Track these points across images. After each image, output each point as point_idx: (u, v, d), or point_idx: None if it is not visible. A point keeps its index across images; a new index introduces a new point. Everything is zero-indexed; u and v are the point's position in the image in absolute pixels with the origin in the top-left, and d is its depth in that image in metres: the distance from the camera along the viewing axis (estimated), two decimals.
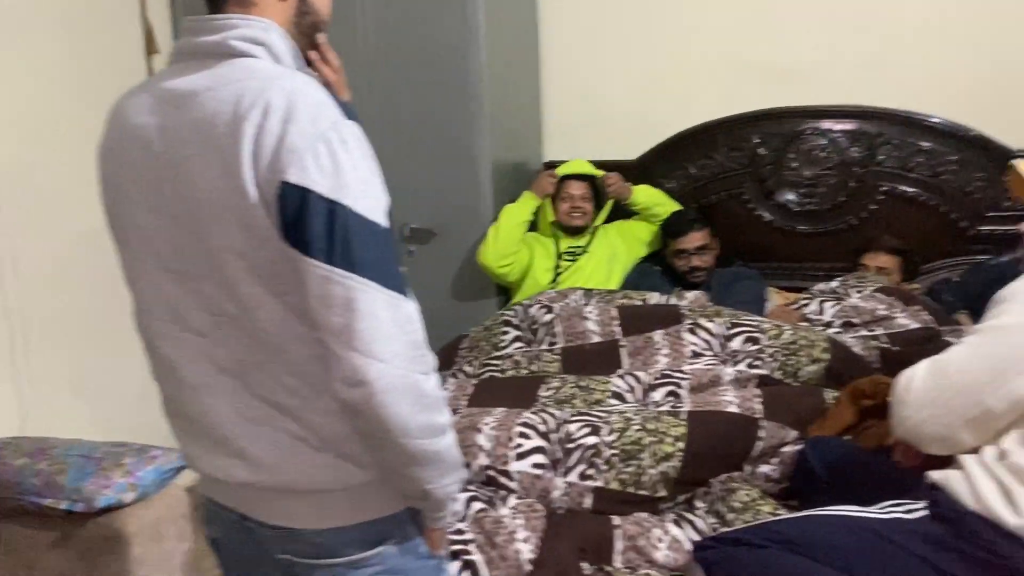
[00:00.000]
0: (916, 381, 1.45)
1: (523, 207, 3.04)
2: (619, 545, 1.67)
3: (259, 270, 1.00)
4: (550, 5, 3.42)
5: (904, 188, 3.01)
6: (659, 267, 3.11)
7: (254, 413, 1.06)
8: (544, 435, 1.83)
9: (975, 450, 1.45)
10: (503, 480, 1.77)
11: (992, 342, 1.39)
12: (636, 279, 3.06)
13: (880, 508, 1.49)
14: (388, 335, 0.97)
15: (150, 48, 3.04)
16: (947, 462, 1.49)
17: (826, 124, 3.10)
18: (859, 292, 2.59)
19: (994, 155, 2.86)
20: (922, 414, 1.43)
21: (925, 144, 3.00)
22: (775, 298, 2.98)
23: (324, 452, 1.06)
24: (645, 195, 3.15)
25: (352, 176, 0.97)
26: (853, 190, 3.07)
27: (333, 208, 0.95)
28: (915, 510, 1.46)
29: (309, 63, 1.20)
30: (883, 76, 3.06)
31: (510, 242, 2.93)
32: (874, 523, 1.45)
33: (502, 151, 3.16)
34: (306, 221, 0.95)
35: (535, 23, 3.42)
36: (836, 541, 1.44)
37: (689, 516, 1.78)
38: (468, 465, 1.79)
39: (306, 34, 1.16)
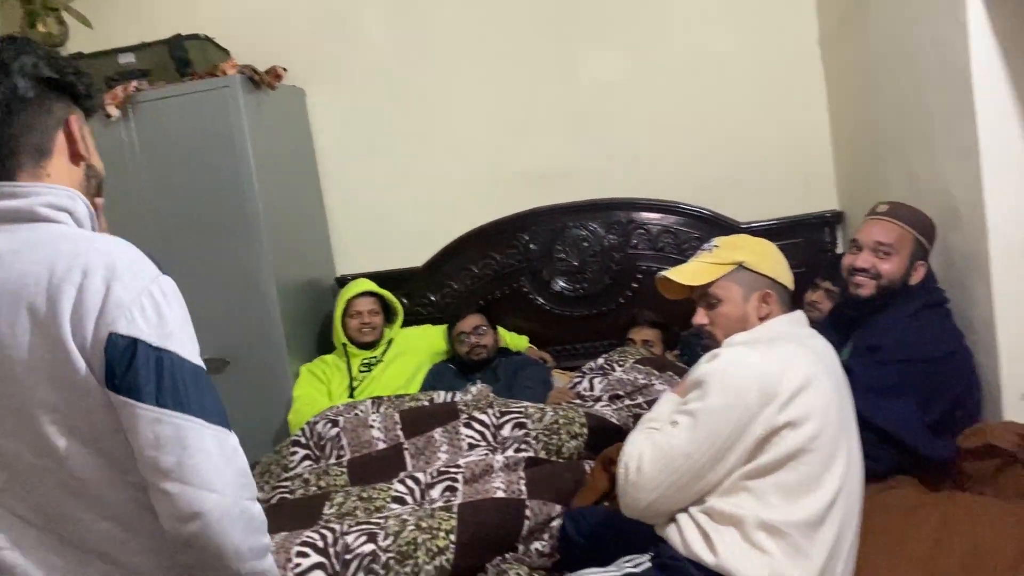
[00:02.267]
0: (645, 465, 1.60)
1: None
2: None
3: (72, 422, 1.04)
4: (324, 130, 3.61)
5: (658, 266, 3.36)
6: (453, 365, 3.28)
7: (65, 561, 1.08)
8: (322, 551, 1.90)
9: None
10: None
11: (706, 424, 1.56)
12: (432, 380, 3.21)
13: (616, 565, 1.67)
14: (218, 468, 1.05)
15: None
16: None
17: (585, 217, 3.43)
18: (621, 366, 2.86)
19: (726, 229, 3.26)
20: (652, 496, 1.59)
21: (671, 226, 3.38)
22: (560, 379, 3.21)
23: None
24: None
25: (174, 325, 1.08)
26: (616, 273, 3.40)
27: (161, 356, 1.04)
28: (642, 563, 1.65)
29: None
30: (627, 172, 3.43)
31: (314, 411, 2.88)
32: None
33: (290, 272, 3.27)
34: (136, 369, 1.03)
35: (311, 147, 3.60)
36: None
37: None
38: None
39: (92, 195, 1.21)
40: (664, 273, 1.83)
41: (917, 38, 2.26)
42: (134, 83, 3.09)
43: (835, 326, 2.31)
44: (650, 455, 1.60)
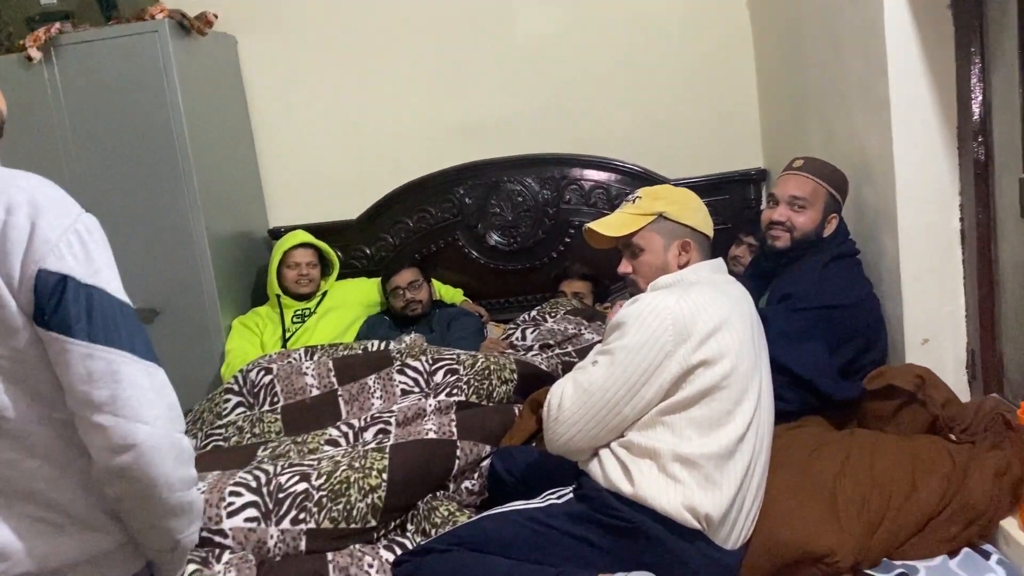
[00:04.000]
0: (566, 402, 1.68)
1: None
2: None
3: (1, 361, 1.04)
4: (256, 79, 3.56)
5: (591, 221, 3.42)
6: (387, 317, 3.31)
7: None
8: (255, 490, 1.93)
9: None
10: (217, 539, 1.85)
11: (623, 362, 1.63)
12: (367, 331, 3.23)
13: (541, 498, 1.75)
14: (150, 400, 1.07)
15: None
16: None
17: (519, 172, 3.47)
18: (552, 317, 2.94)
19: (656, 184, 3.34)
20: (572, 431, 1.67)
21: (602, 181, 3.45)
22: (494, 331, 3.27)
23: (69, 528, 1.11)
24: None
25: (101, 262, 1.08)
26: (549, 227, 3.47)
27: (90, 292, 1.05)
28: (565, 495, 1.73)
29: None
30: (561, 127, 3.48)
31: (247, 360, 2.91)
32: (534, 512, 1.70)
33: (221, 223, 3.24)
34: (66, 305, 1.04)
35: (243, 97, 3.55)
36: (504, 533, 1.67)
37: (400, 539, 1.95)
38: None
39: None
40: (590, 224, 1.90)
41: None
42: (56, 25, 3.00)
43: (754, 277, 2.42)
44: (571, 392, 1.68)
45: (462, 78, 3.51)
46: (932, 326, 2.14)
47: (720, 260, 1.88)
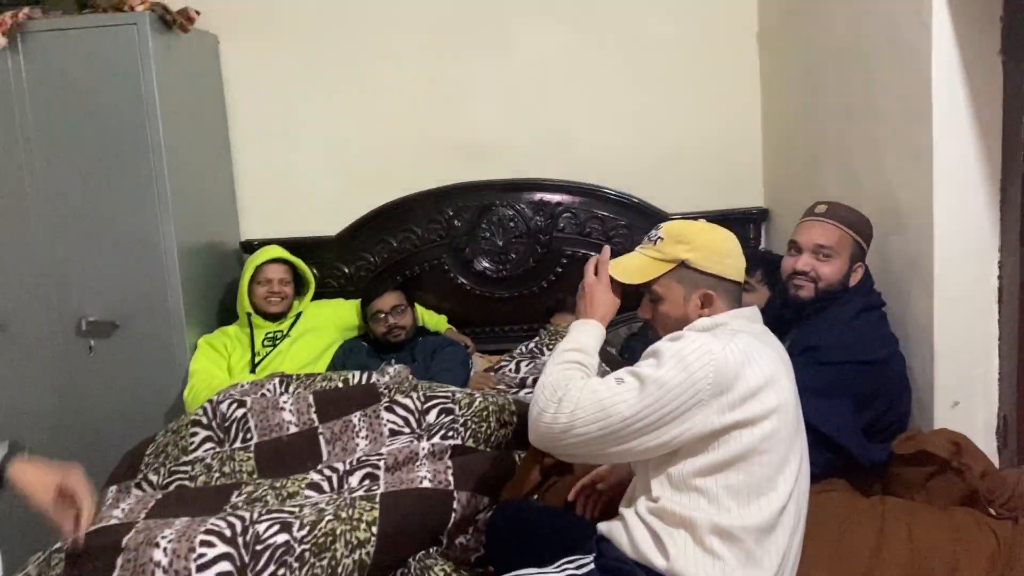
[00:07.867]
0: (579, 412, 1.47)
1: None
2: None
3: None
4: (237, 82, 3.36)
5: (584, 251, 3.28)
6: (365, 343, 3.10)
7: None
8: (230, 540, 1.72)
9: (635, 499, 1.58)
10: None
11: (651, 395, 1.45)
12: (343, 357, 3.02)
13: (556, 566, 1.56)
14: None
15: None
16: (616, 513, 1.61)
17: (512, 197, 3.31)
18: (550, 349, 2.76)
19: (654, 218, 3.21)
20: (573, 439, 1.48)
21: (598, 211, 3.31)
22: (479, 362, 3.09)
23: None
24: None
25: None
26: (541, 256, 3.31)
27: None
28: (585, 564, 1.55)
29: None
30: (558, 153, 3.34)
31: (212, 387, 2.73)
32: None
33: (191, 234, 3.02)
34: None
35: (221, 100, 3.34)
36: None
37: None
38: None
39: None
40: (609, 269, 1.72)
41: (871, 37, 2.24)
42: (25, 10, 2.77)
43: (771, 322, 2.28)
44: (589, 403, 1.48)
45: (457, 95, 3.35)
46: (963, 388, 2.03)
47: (755, 308, 1.72)
